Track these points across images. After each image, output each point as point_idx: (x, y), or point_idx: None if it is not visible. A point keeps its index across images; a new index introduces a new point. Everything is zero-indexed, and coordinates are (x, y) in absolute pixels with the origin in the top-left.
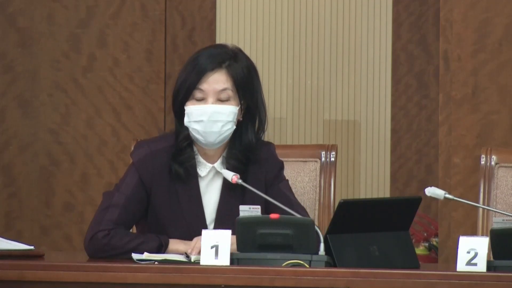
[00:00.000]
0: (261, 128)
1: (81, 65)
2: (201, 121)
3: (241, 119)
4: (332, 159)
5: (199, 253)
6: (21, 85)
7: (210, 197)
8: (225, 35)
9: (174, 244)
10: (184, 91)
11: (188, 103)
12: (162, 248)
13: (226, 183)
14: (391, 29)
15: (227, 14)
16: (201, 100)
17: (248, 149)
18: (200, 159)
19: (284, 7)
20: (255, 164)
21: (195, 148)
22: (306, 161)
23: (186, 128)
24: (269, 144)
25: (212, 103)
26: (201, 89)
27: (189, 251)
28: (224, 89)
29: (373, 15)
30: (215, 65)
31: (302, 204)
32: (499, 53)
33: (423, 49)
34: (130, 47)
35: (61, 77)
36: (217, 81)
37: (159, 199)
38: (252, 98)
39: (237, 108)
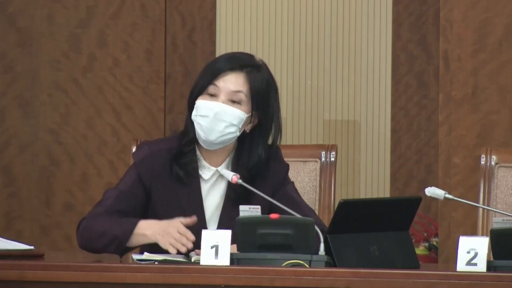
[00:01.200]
0: (273, 147)
1: (81, 65)
2: (207, 116)
3: (247, 131)
4: (332, 159)
5: (199, 253)
6: (21, 85)
7: (212, 200)
8: (225, 35)
9: (141, 229)
10: (200, 85)
11: (200, 97)
12: (128, 232)
13: (230, 187)
14: (391, 29)
15: (227, 14)
16: (214, 96)
17: (256, 167)
18: (203, 162)
19: (284, 7)
20: (262, 177)
21: (198, 152)
22: (306, 161)
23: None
24: (276, 152)
25: (223, 102)
26: (216, 85)
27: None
28: (239, 91)
29: (373, 15)
30: (236, 66)
31: None
32: (499, 53)
33: (423, 49)
34: (130, 47)
35: (61, 77)
36: (234, 81)
37: (159, 199)
38: (267, 114)
39: (246, 115)
